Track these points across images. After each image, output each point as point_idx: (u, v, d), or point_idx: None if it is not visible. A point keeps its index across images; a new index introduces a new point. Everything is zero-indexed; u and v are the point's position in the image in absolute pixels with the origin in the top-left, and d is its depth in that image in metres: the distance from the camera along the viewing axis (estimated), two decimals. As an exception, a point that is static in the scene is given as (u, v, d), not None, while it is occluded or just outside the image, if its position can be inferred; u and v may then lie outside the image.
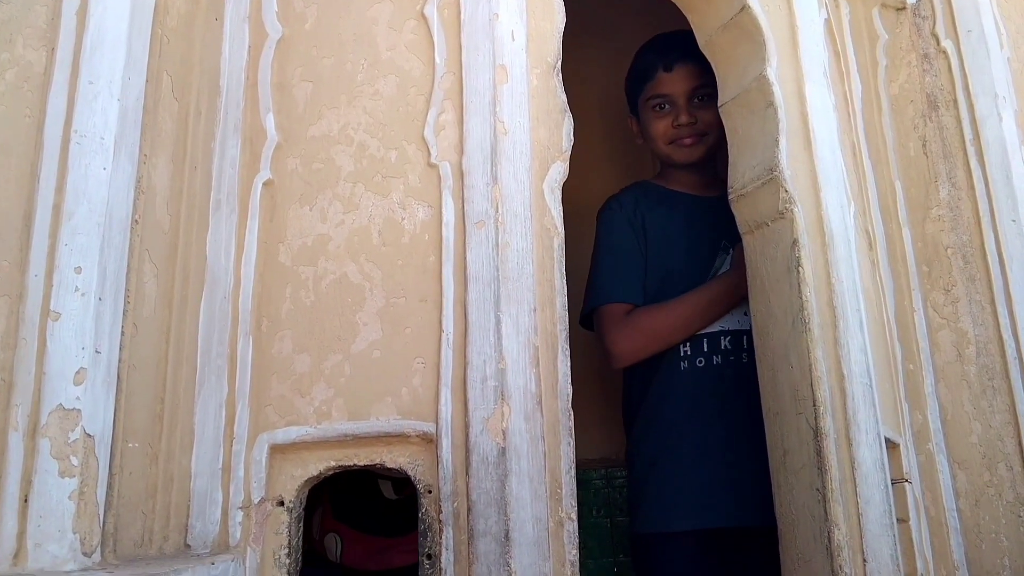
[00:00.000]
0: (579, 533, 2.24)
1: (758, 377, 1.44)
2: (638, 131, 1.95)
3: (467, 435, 1.06)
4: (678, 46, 1.77)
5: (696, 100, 1.81)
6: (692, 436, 1.67)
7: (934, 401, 1.66)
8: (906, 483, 1.55)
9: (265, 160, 1.22)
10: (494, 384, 1.07)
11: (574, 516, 1.08)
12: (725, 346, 1.70)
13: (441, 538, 1.05)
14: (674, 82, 1.81)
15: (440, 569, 1.04)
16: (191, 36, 1.20)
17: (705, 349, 1.71)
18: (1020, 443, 1.58)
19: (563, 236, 1.19)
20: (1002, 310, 1.63)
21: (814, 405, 1.30)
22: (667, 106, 1.83)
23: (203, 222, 1.18)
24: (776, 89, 1.41)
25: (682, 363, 1.72)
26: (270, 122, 1.23)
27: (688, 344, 1.72)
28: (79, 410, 0.92)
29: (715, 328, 1.71)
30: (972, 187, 1.71)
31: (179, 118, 1.16)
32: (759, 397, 1.45)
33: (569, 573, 1.05)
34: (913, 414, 1.65)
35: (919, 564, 1.50)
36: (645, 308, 1.75)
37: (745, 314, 1.57)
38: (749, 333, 1.53)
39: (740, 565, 1.65)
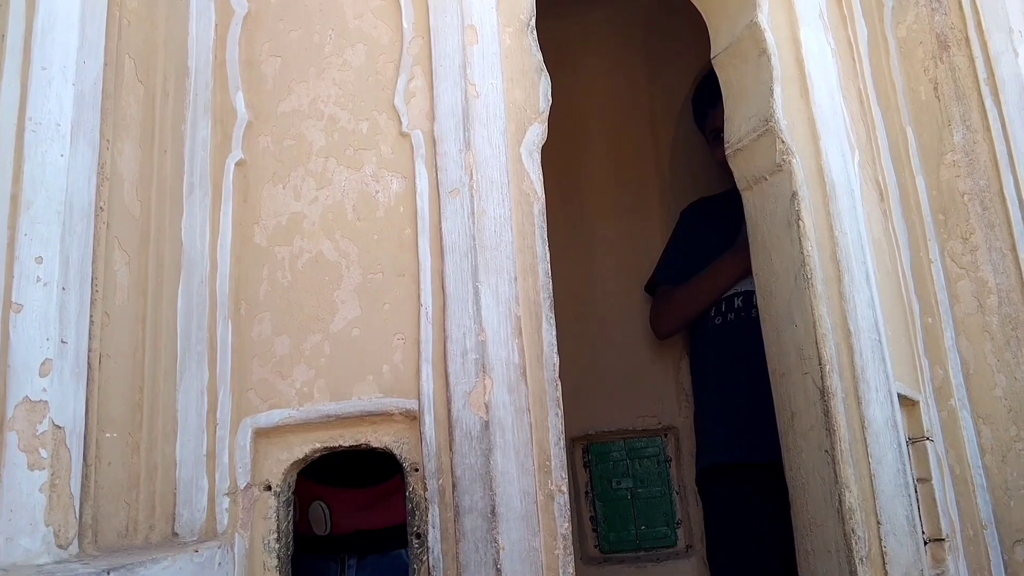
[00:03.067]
0: (599, 505, 2.23)
1: (763, 337, 1.39)
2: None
3: (449, 410, 1.03)
4: None
5: None
6: (723, 384, 1.96)
7: (955, 355, 1.59)
8: (927, 441, 1.49)
9: (236, 140, 1.19)
10: (475, 357, 1.04)
11: (564, 489, 1.05)
12: (738, 304, 1.97)
13: (428, 516, 1.03)
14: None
15: (427, 548, 1.02)
16: (154, 17, 1.17)
17: (723, 308, 2.00)
18: (1048, 394, 1.51)
19: (544, 200, 1.14)
20: (1024, 256, 1.55)
21: (820, 364, 1.25)
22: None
23: (176, 206, 1.16)
24: (768, 36, 1.35)
25: (711, 321, 2.04)
26: (240, 101, 1.20)
27: (713, 305, 2.03)
28: (46, 401, 0.90)
29: (730, 291, 1.99)
30: (988, 129, 1.62)
31: (145, 101, 1.13)
32: (747, 349, 1.65)
33: (561, 547, 1.02)
34: (933, 369, 1.59)
35: (944, 524, 1.44)
36: (676, 287, 2.11)
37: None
38: (733, 296, 1.93)
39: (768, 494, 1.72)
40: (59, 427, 0.91)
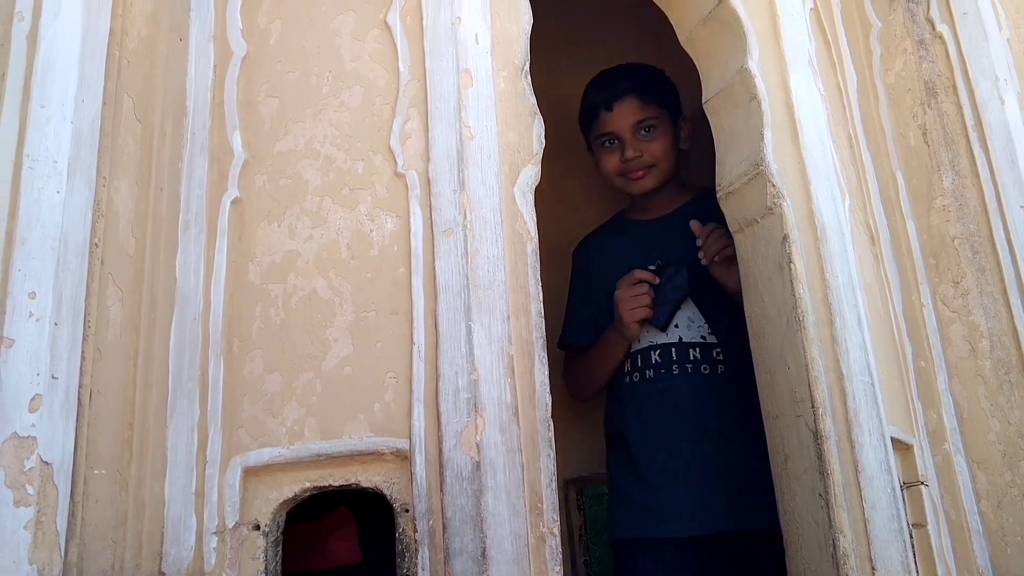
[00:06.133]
0: (592, 549, 2.20)
1: (756, 379, 1.39)
2: (596, 164, 1.96)
3: (440, 450, 1.03)
4: (618, 83, 1.85)
5: (642, 132, 1.83)
6: (641, 447, 1.74)
7: (948, 399, 1.59)
8: (922, 486, 1.48)
9: (232, 178, 1.20)
10: (466, 396, 1.04)
11: (556, 531, 1.04)
12: (655, 359, 1.75)
13: (417, 559, 1.01)
14: (616, 119, 1.83)
15: (417, 591, 1.00)
16: (153, 58, 1.19)
17: (639, 364, 1.78)
18: (1042, 438, 1.51)
19: (537, 241, 1.15)
20: (1015, 300, 1.56)
21: (812, 407, 1.25)
22: (615, 142, 1.85)
23: (171, 244, 1.17)
24: (759, 82, 1.37)
25: (624, 378, 1.81)
26: (237, 140, 1.21)
27: (628, 360, 1.80)
28: (34, 437, 0.90)
29: (643, 344, 1.77)
30: (977, 174, 1.64)
31: (143, 140, 1.15)
32: (700, 405, 1.66)
33: (552, 591, 1.01)
34: (927, 413, 1.58)
35: (940, 571, 1.43)
36: (578, 351, 1.93)
37: (676, 326, 1.73)
38: (683, 346, 1.72)
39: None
40: (47, 463, 0.90)
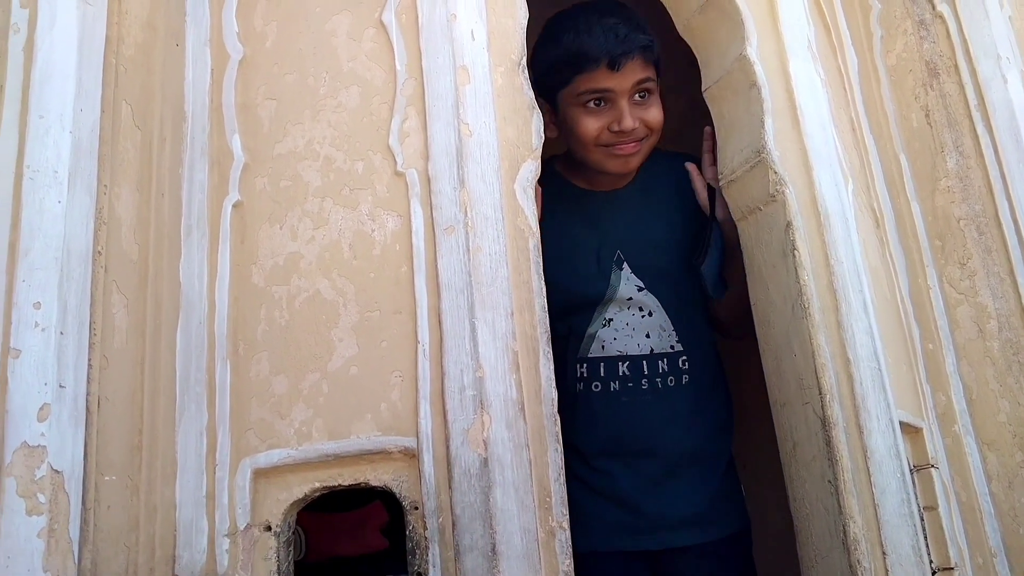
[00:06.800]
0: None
1: (763, 368, 1.38)
2: (550, 120, 1.52)
3: (448, 448, 1.03)
4: (626, 35, 1.46)
5: (637, 97, 1.50)
6: (593, 460, 1.56)
7: (957, 381, 1.58)
8: (932, 468, 1.47)
9: (233, 182, 1.20)
10: (472, 393, 1.04)
11: (566, 525, 1.04)
12: (623, 372, 1.56)
13: (428, 556, 1.02)
14: (620, 79, 1.47)
15: (428, 588, 1.01)
16: (150, 64, 1.19)
17: (601, 373, 1.57)
18: (1052, 419, 1.50)
19: (539, 236, 1.15)
20: (1022, 280, 1.55)
21: (820, 393, 1.25)
22: (602, 103, 1.49)
23: (175, 249, 1.17)
24: (758, 68, 1.36)
25: (578, 385, 1.58)
26: (236, 143, 1.22)
27: (582, 366, 1.58)
28: (44, 446, 0.91)
29: (612, 352, 1.57)
30: (981, 155, 1.63)
31: (143, 146, 1.15)
32: (666, 423, 1.54)
33: (563, 584, 1.01)
34: (936, 396, 1.58)
35: (952, 552, 1.42)
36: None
37: (647, 336, 1.57)
38: (654, 358, 1.56)
39: None
40: (57, 472, 0.91)
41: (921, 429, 1.48)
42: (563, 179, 1.65)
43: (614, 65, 1.45)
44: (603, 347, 1.57)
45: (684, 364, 1.58)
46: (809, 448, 1.27)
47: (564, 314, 1.54)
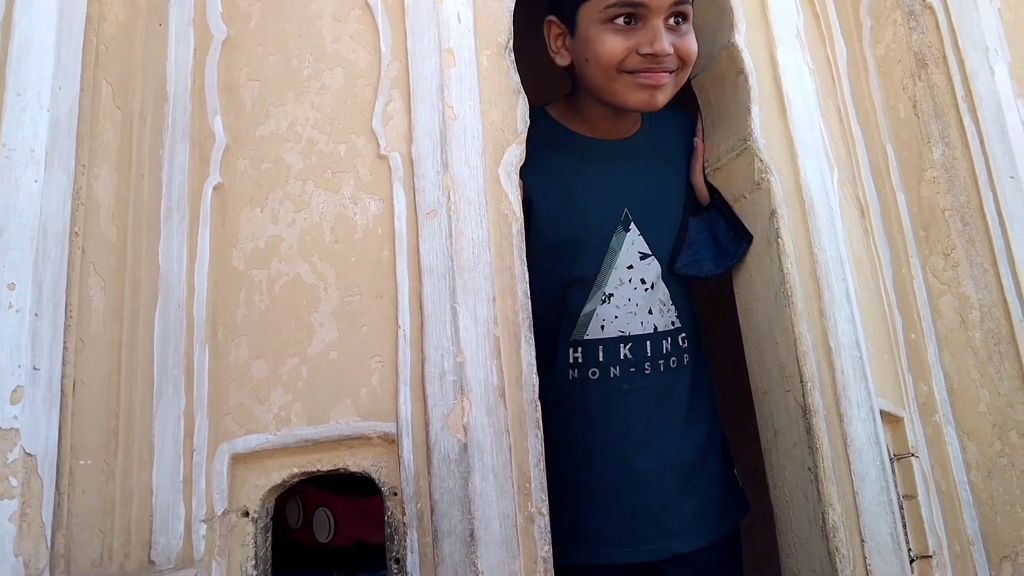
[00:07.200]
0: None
1: (745, 356, 1.38)
2: (562, 45, 1.37)
3: (427, 433, 1.03)
4: None
5: (673, 21, 1.31)
6: (582, 459, 1.39)
7: (939, 370, 1.59)
8: (913, 457, 1.48)
9: (214, 164, 1.19)
10: (452, 379, 1.03)
11: (545, 511, 1.04)
12: (625, 355, 1.38)
13: (406, 541, 1.02)
14: None
15: (406, 574, 1.01)
16: (132, 42, 1.18)
17: (600, 358, 1.38)
18: (1032, 409, 1.51)
19: (522, 221, 1.15)
20: (1005, 272, 1.56)
21: (801, 381, 1.25)
22: (633, 21, 1.29)
23: (154, 231, 1.16)
24: (746, 56, 1.36)
25: (573, 372, 1.40)
26: (218, 124, 1.20)
27: (580, 350, 1.39)
28: (17, 429, 0.90)
29: (613, 333, 1.38)
30: (967, 146, 1.63)
31: (123, 126, 1.14)
32: (670, 412, 1.39)
33: (541, 571, 1.01)
34: (917, 385, 1.58)
35: (931, 541, 1.43)
36: None
37: (650, 312, 1.39)
38: (658, 337, 1.39)
39: None
40: (30, 455, 0.90)
41: (902, 418, 1.48)
42: (558, 125, 1.44)
43: None
44: (602, 327, 1.38)
45: (684, 342, 1.43)
46: (790, 436, 1.27)
47: (557, 287, 1.39)
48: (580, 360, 1.39)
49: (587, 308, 1.39)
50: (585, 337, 1.39)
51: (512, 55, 1.20)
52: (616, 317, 1.38)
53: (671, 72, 1.31)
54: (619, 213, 1.39)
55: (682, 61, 1.32)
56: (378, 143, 1.14)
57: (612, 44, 1.28)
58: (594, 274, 1.39)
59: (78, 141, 1.04)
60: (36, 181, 0.97)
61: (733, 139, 1.37)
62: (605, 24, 1.29)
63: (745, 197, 1.36)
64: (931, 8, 1.71)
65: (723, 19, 1.39)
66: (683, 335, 1.43)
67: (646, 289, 1.40)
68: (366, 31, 1.20)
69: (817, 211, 1.31)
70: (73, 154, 1.03)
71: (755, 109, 1.34)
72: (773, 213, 1.30)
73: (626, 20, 1.28)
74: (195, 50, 1.24)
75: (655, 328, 1.39)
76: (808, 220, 1.30)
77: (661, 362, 1.40)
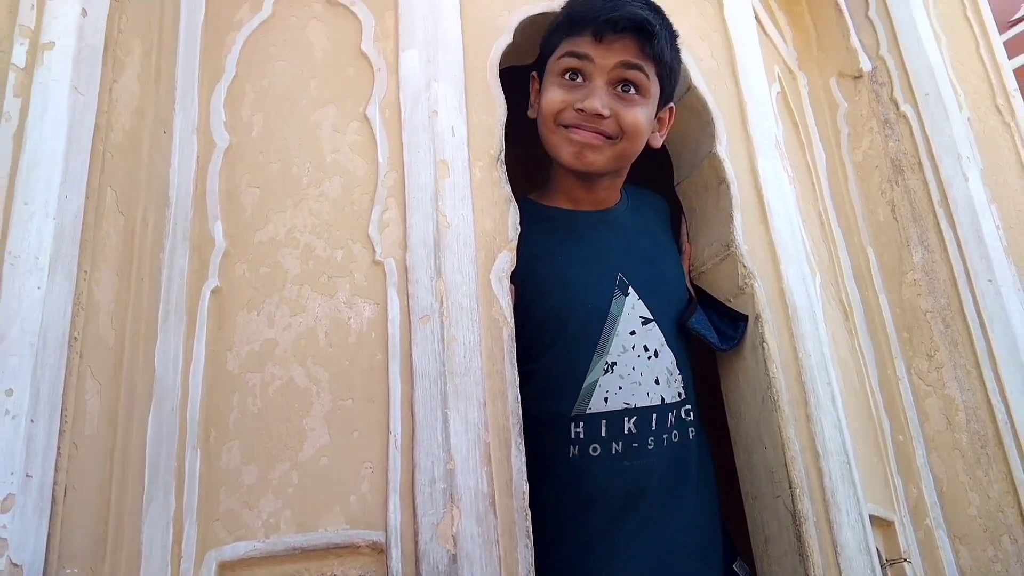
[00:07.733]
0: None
1: (735, 459, 1.39)
2: (535, 100, 1.41)
3: (416, 543, 1.02)
4: (624, 5, 1.30)
5: (621, 89, 1.32)
6: (578, 543, 1.28)
7: (927, 473, 1.60)
8: (905, 562, 1.48)
9: (213, 267, 1.21)
10: (442, 486, 1.04)
11: (535, 623, 1.03)
12: (629, 429, 1.29)
13: (394, 654, 1.00)
14: (602, 52, 1.30)
15: None
16: (138, 150, 1.22)
17: (603, 432, 1.29)
18: (1022, 512, 1.51)
19: (513, 326, 1.17)
20: (988, 373, 1.59)
21: (790, 487, 1.25)
22: (581, 78, 1.32)
23: (151, 334, 1.17)
24: (727, 166, 1.42)
25: (573, 449, 1.30)
26: (218, 229, 1.23)
27: (581, 425, 1.30)
28: (5, 539, 0.89)
29: (617, 406, 1.29)
30: (945, 249, 1.69)
31: (125, 231, 1.17)
32: (671, 491, 1.29)
33: None
34: (907, 488, 1.59)
35: (927, 649, 1.42)
36: None
37: (656, 382, 1.31)
38: (664, 409, 1.30)
39: None
40: (16, 566, 0.89)
41: (893, 522, 1.48)
42: (538, 205, 1.45)
43: (599, 35, 1.30)
44: (606, 399, 1.29)
45: (689, 415, 1.34)
46: (780, 543, 1.27)
47: (552, 354, 1.32)
48: (582, 436, 1.29)
49: (589, 379, 1.31)
50: (588, 411, 1.30)
51: (504, 166, 1.25)
52: (620, 388, 1.30)
53: (607, 137, 1.32)
54: (612, 277, 1.35)
55: (622, 130, 1.32)
56: (374, 249, 1.18)
57: (553, 96, 1.33)
58: (594, 341, 1.32)
59: (81, 247, 1.06)
60: (39, 288, 0.99)
61: (717, 245, 1.41)
62: (557, 78, 1.34)
63: (730, 301, 1.39)
64: (905, 117, 1.80)
65: (704, 130, 1.46)
66: (687, 407, 1.35)
67: (649, 357, 1.33)
68: (364, 142, 1.25)
69: (800, 316, 1.34)
70: (76, 260, 1.05)
71: (737, 216, 1.38)
72: (758, 318, 1.33)
73: (571, 76, 1.32)
74: (198, 157, 1.29)
75: (662, 399, 1.31)
76: (792, 325, 1.33)
77: (665, 437, 1.31)
